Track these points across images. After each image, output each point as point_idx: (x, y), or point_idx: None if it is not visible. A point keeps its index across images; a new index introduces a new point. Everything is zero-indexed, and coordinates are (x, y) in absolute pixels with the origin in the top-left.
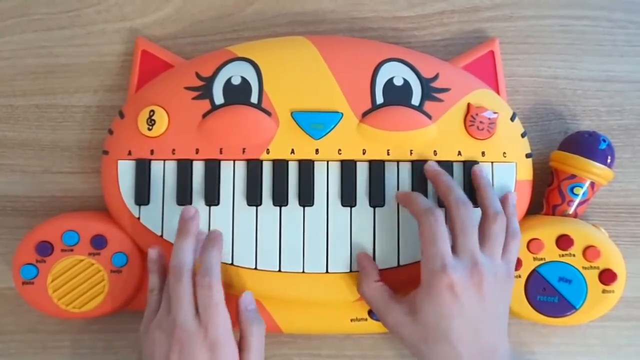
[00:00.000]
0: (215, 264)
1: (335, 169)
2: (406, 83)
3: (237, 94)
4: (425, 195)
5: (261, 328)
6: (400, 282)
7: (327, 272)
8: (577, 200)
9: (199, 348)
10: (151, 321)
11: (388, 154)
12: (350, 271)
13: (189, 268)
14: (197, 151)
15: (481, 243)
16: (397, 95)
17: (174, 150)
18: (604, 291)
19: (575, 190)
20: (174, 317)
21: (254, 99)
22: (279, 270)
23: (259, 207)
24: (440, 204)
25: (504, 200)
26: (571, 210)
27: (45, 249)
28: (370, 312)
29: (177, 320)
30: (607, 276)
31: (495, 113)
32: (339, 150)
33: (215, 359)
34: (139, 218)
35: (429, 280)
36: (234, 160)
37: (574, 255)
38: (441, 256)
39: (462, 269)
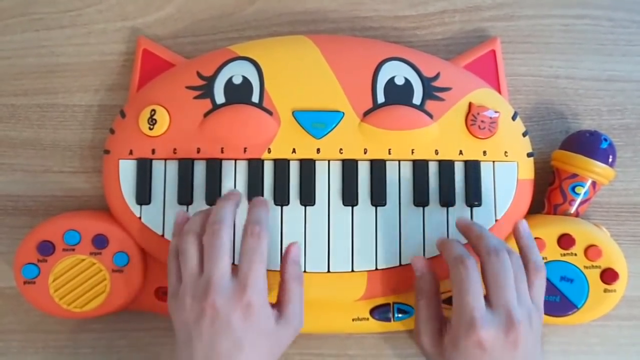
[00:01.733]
0: (265, 218)
1: (336, 169)
2: (407, 82)
3: (239, 93)
4: (427, 193)
5: (301, 282)
6: (401, 281)
7: (328, 271)
8: (578, 200)
9: (234, 312)
10: (177, 288)
11: (389, 154)
12: (352, 271)
13: (229, 224)
14: (198, 150)
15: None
16: (398, 94)
17: (175, 149)
18: (605, 290)
19: (577, 189)
20: (207, 277)
21: (255, 98)
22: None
23: None
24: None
25: (518, 234)
26: (573, 210)
27: (46, 249)
28: (372, 312)
29: (211, 280)
30: (608, 275)
31: (496, 112)
32: (340, 149)
33: (249, 320)
34: (140, 217)
35: (459, 332)
36: (235, 160)
37: (575, 255)
38: (470, 310)
39: (496, 325)
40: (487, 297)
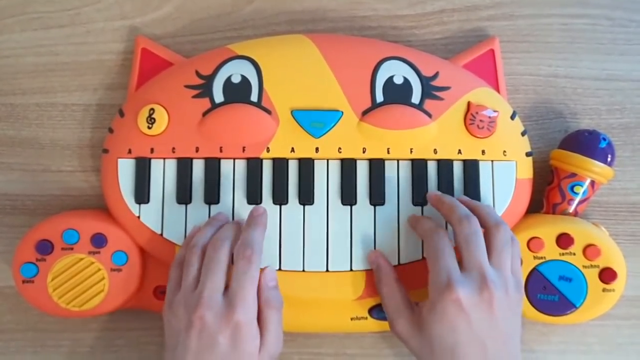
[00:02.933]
0: (258, 241)
1: (335, 168)
2: (406, 81)
3: (237, 92)
4: (425, 192)
5: (280, 310)
6: (400, 280)
7: (327, 270)
8: (577, 199)
9: (222, 331)
10: (174, 296)
11: (388, 153)
12: (351, 270)
13: (230, 243)
14: (197, 149)
15: (489, 256)
16: (397, 93)
17: (174, 148)
18: (604, 290)
19: (576, 188)
20: (200, 290)
21: (254, 97)
22: (279, 269)
23: None
24: None
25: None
26: (571, 209)
27: (45, 248)
28: (370, 311)
29: (203, 294)
30: (607, 275)
31: (495, 111)
32: (339, 148)
33: (235, 342)
34: (139, 216)
35: (435, 296)
36: (234, 159)
37: (574, 254)
38: (446, 271)
39: (470, 284)
40: (460, 263)
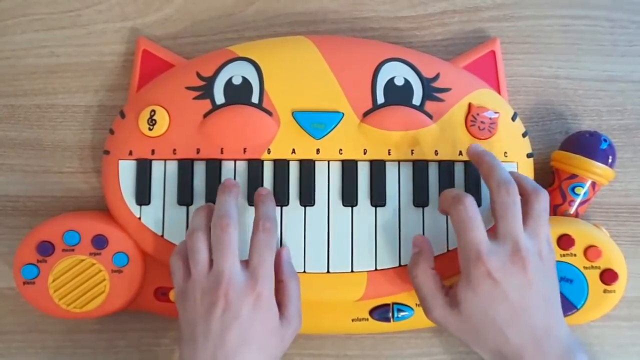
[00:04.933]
0: (274, 213)
1: (336, 169)
2: (407, 83)
3: (238, 93)
4: (426, 194)
5: (298, 282)
6: (401, 282)
7: (328, 272)
8: (578, 200)
9: (246, 301)
10: (185, 285)
11: (389, 154)
12: (352, 271)
13: (236, 219)
14: (198, 151)
15: (524, 224)
16: (398, 95)
17: (174, 150)
18: (605, 291)
19: (577, 190)
20: (218, 271)
21: (254, 98)
22: None
23: None
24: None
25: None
26: (572, 210)
27: (46, 249)
28: (371, 312)
29: (223, 273)
30: (608, 276)
31: (496, 113)
32: (340, 150)
33: (258, 313)
34: (139, 218)
35: (467, 270)
36: (235, 160)
37: (575, 255)
38: (476, 244)
39: (502, 254)
40: (493, 229)
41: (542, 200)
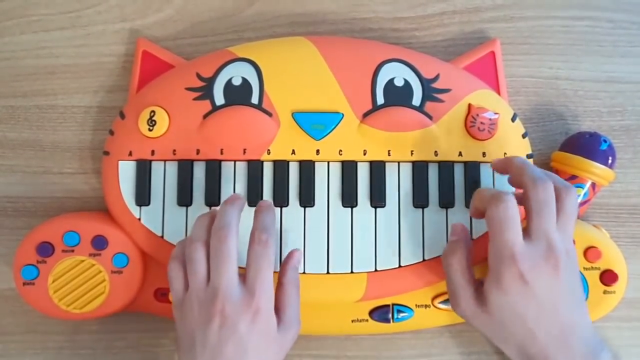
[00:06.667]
0: (272, 225)
1: (336, 170)
2: (407, 84)
3: (238, 94)
4: (426, 195)
5: (299, 289)
6: (401, 282)
7: (327, 272)
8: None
9: (243, 317)
10: (183, 295)
11: (389, 155)
12: (352, 272)
13: (235, 230)
14: (197, 152)
15: (557, 220)
16: (397, 95)
17: (174, 150)
18: (605, 292)
19: (577, 190)
20: (215, 285)
21: (254, 99)
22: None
23: None
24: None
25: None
26: None
27: (46, 250)
28: (371, 313)
29: (219, 289)
30: (608, 277)
31: (496, 114)
32: (340, 150)
33: (255, 327)
34: (139, 219)
35: (498, 269)
36: (235, 161)
37: None
38: (511, 244)
39: (536, 254)
40: (526, 228)
41: (573, 197)
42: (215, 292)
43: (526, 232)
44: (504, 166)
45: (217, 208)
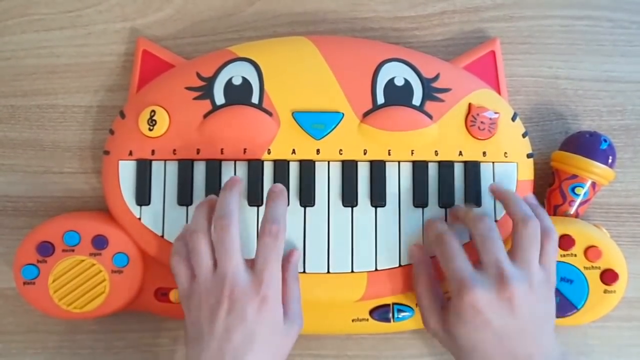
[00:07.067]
0: (283, 215)
1: (336, 169)
2: (407, 83)
3: (238, 94)
4: (426, 194)
5: (299, 285)
6: (401, 282)
7: (328, 272)
8: (578, 201)
9: (251, 303)
10: (190, 286)
11: (389, 154)
12: (352, 271)
13: (237, 217)
14: (198, 151)
15: (513, 252)
16: (398, 95)
17: (174, 150)
18: (605, 291)
19: (577, 190)
20: (223, 272)
21: (254, 99)
22: None
23: (260, 208)
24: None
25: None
26: (572, 211)
27: (46, 249)
28: (371, 313)
29: (227, 274)
30: (608, 276)
31: (496, 113)
32: (340, 150)
33: (263, 314)
34: (139, 218)
35: (454, 297)
36: (235, 161)
37: (575, 255)
38: (459, 274)
39: (487, 283)
40: (477, 262)
41: (530, 227)
42: (223, 278)
43: (478, 264)
44: (499, 197)
45: (213, 196)
